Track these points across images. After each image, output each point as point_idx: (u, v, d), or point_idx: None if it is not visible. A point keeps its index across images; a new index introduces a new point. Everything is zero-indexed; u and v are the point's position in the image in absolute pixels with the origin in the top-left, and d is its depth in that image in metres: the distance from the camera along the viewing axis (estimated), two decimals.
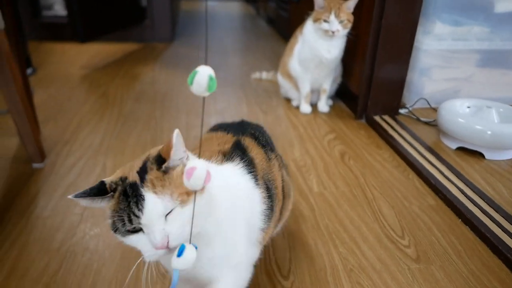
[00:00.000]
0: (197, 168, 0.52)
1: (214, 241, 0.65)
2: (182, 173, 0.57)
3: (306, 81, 1.91)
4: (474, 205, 1.22)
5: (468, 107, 1.68)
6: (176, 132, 0.56)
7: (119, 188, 0.58)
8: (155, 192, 0.55)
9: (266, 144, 0.85)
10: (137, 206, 0.55)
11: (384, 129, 1.72)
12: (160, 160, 0.58)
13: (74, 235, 1.08)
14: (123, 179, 0.58)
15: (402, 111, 1.91)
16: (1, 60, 1.24)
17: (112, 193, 0.58)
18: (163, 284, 0.93)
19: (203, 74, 0.49)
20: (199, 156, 0.61)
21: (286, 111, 1.98)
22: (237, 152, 0.76)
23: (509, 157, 1.52)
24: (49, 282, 0.93)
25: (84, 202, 0.58)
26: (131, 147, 1.55)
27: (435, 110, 1.88)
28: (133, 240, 0.58)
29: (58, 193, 1.26)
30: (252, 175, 0.74)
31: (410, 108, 1.93)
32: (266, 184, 0.77)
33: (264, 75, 2.41)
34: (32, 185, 1.29)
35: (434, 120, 1.78)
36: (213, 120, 1.82)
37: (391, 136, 1.65)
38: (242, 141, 0.80)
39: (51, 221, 1.13)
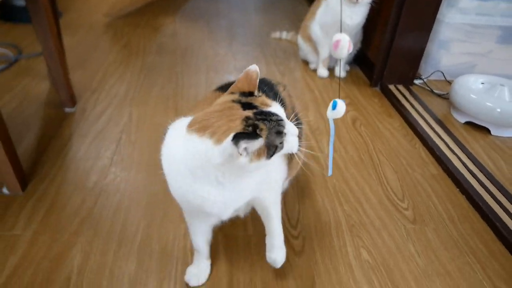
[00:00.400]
0: (341, 40, 0.65)
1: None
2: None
3: (326, 45, 1.95)
4: (473, 177, 1.31)
5: (482, 83, 1.72)
6: (255, 66, 0.71)
7: (256, 122, 0.64)
8: (270, 106, 0.69)
9: None
10: (277, 116, 0.67)
11: (397, 99, 1.78)
12: (248, 94, 0.70)
13: (106, 177, 1.20)
14: (248, 119, 0.64)
15: (417, 81, 1.95)
16: (40, 7, 1.29)
17: (257, 132, 0.63)
18: None
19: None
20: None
21: (303, 73, 2.03)
22: None
23: None
24: (86, 216, 1.06)
25: (257, 144, 0.62)
26: (154, 99, 1.64)
27: (449, 83, 1.92)
28: (286, 146, 0.68)
29: (89, 138, 1.37)
30: None
31: (425, 80, 1.97)
32: None
33: (284, 35, 2.43)
34: (65, 129, 1.40)
35: (447, 93, 1.83)
36: (233, 78, 1.88)
37: (403, 106, 1.72)
38: None
39: (84, 163, 1.25)
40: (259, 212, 0.91)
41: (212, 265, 0.96)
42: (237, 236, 1.06)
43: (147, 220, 1.07)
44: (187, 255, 0.99)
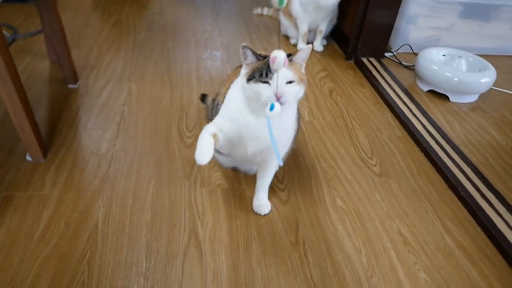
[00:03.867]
0: (277, 56, 0.81)
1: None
2: (300, 66, 0.95)
3: (305, 21, 2.11)
4: (431, 137, 1.54)
5: (444, 55, 1.93)
6: (308, 47, 0.92)
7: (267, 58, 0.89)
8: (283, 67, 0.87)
9: None
10: (268, 69, 0.88)
11: (369, 70, 1.98)
12: (290, 55, 0.92)
13: (115, 144, 1.37)
14: (263, 56, 0.92)
15: (387, 54, 2.15)
16: None
17: (262, 58, 0.92)
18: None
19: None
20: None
21: (285, 48, 2.20)
22: None
23: (469, 101, 1.82)
24: (103, 177, 1.24)
25: (249, 54, 0.92)
26: (150, 74, 1.79)
27: (416, 55, 2.12)
28: (261, 86, 0.89)
29: (95, 111, 1.52)
30: None
31: (395, 52, 2.17)
32: None
33: (266, 10, 2.57)
34: (72, 103, 1.55)
35: (413, 65, 2.04)
36: (220, 53, 2.04)
37: (374, 77, 1.92)
38: None
39: (95, 133, 1.41)
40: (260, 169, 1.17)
41: (213, 214, 1.17)
42: (233, 189, 1.26)
43: (155, 178, 1.25)
44: (192, 206, 1.18)
